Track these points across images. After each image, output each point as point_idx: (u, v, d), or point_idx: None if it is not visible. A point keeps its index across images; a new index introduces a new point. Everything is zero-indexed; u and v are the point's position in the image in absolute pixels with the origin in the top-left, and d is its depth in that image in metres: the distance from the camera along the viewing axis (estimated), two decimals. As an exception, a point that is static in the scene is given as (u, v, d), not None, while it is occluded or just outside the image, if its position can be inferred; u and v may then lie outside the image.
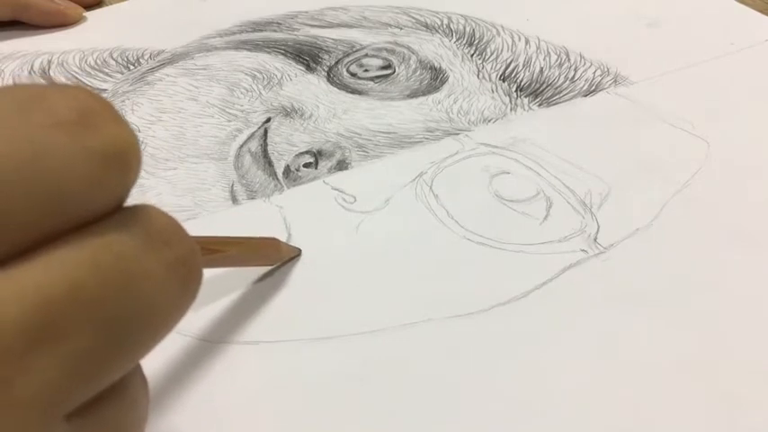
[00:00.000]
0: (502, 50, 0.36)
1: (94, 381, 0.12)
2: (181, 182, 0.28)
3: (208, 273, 0.23)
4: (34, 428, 0.11)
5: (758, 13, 0.38)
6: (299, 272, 0.24)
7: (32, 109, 0.11)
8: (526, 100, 0.32)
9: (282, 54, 0.36)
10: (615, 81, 0.33)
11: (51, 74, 0.35)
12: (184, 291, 0.13)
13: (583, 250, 0.25)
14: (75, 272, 0.11)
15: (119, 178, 0.12)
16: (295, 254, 0.25)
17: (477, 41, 0.37)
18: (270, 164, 0.29)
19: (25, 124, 0.11)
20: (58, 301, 0.11)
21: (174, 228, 0.13)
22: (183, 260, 0.13)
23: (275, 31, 0.38)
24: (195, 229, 0.25)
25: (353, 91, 0.33)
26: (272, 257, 0.24)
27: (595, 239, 0.25)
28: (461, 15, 0.39)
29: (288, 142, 0.30)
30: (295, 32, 0.38)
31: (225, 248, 0.20)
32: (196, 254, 0.13)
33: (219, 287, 0.24)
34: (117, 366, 0.12)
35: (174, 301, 0.13)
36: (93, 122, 0.12)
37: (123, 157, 0.12)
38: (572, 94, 0.33)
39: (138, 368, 0.14)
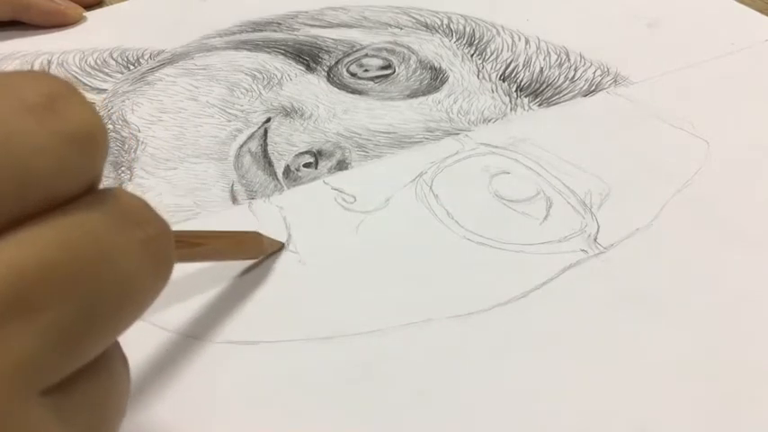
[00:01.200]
0: (502, 50, 0.36)
1: (71, 354, 0.12)
2: (181, 182, 0.28)
3: (196, 269, 0.24)
4: (9, 400, 0.11)
5: (758, 13, 0.38)
6: (299, 272, 0.24)
7: (1, 95, 0.12)
8: (526, 100, 0.32)
9: (282, 54, 0.36)
10: (615, 81, 0.33)
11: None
12: (156, 269, 0.13)
13: (583, 250, 0.25)
14: (45, 249, 0.11)
15: (87, 160, 0.12)
16: (277, 248, 0.25)
17: (477, 41, 0.37)
18: (270, 164, 0.29)
19: None
20: (30, 277, 0.11)
21: (144, 209, 0.13)
22: (154, 240, 0.13)
23: (275, 31, 0.38)
24: (195, 229, 0.25)
25: (353, 91, 0.33)
26: (255, 251, 0.24)
27: (595, 239, 0.25)
28: (461, 15, 0.39)
29: (288, 142, 0.30)
30: (295, 32, 0.38)
31: (206, 242, 0.21)
32: (167, 235, 0.14)
33: (213, 285, 0.24)
34: (94, 341, 0.12)
35: (146, 278, 0.13)
36: (61, 106, 0.12)
37: (91, 139, 0.12)
38: (572, 94, 0.33)
39: (118, 346, 0.14)
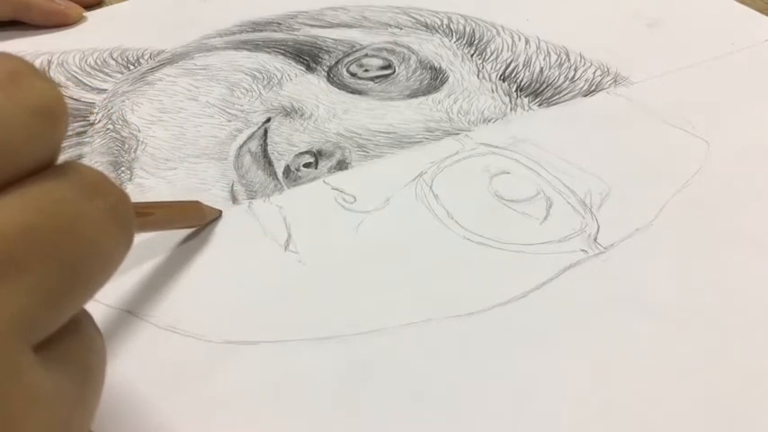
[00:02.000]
0: (502, 50, 0.36)
1: (56, 311, 0.13)
2: (181, 182, 0.28)
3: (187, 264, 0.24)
4: (6, 353, 0.12)
5: (758, 13, 0.38)
6: (299, 272, 0.24)
7: None
8: (526, 100, 0.32)
9: (282, 54, 0.36)
10: (615, 81, 0.33)
11: (51, 74, 0.35)
12: (121, 233, 0.15)
13: (583, 250, 0.25)
14: (23, 214, 0.12)
15: (51, 130, 0.13)
16: (217, 215, 0.26)
17: (477, 41, 0.37)
18: (270, 164, 0.29)
19: None
20: (14, 239, 0.12)
21: (104, 180, 0.14)
22: (115, 207, 0.14)
23: (275, 31, 0.38)
24: (196, 230, 0.25)
25: (353, 91, 0.33)
26: (197, 219, 0.25)
27: (595, 239, 0.25)
28: (461, 15, 0.39)
29: (288, 142, 0.30)
30: (295, 32, 0.38)
31: (155, 211, 0.22)
32: (127, 203, 0.15)
33: (211, 282, 0.24)
34: (74, 299, 0.14)
35: (113, 242, 0.14)
36: (23, 81, 0.13)
37: (53, 112, 0.13)
38: (572, 94, 0.33)
39: (87, 314, 0.15)
